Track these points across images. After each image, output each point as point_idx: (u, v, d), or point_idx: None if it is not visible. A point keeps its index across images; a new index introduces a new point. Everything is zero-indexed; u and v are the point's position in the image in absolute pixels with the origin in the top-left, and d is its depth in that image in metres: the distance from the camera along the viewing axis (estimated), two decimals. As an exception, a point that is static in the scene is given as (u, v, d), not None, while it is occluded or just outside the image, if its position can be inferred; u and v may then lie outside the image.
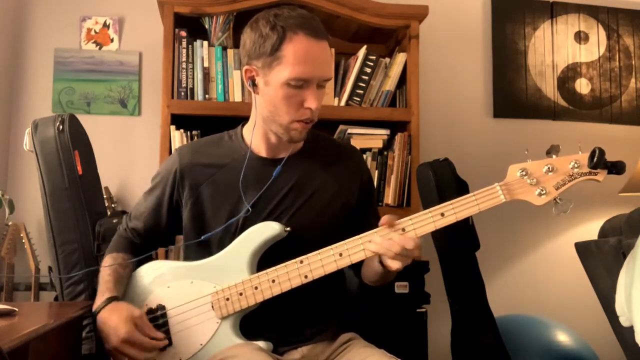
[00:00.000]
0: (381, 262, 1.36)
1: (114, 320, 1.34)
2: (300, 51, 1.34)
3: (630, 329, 1.50)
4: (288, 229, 1.40)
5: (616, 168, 1.29)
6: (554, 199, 1.32)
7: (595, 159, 1.28)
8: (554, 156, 1.34)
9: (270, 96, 1.39)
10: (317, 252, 1.36)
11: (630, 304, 1.48)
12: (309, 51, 1.35)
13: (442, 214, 1.33)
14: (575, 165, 1.32)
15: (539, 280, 2.84)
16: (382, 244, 1.31)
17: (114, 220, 1.81)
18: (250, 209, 1.42)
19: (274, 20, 1.37)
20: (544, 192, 1.32)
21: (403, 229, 1.34)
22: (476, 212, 1.33)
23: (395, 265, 1.31)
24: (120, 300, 1.41)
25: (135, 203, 1.64)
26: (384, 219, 1.35)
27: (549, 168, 1.32)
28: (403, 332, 1.92)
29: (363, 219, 1.52)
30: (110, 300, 1.39)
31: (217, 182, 1.48)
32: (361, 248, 1.35)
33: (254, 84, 1.42)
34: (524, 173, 1.33)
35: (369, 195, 1.58)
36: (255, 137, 1.48)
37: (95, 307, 1.41)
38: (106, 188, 2.45)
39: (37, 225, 2.50)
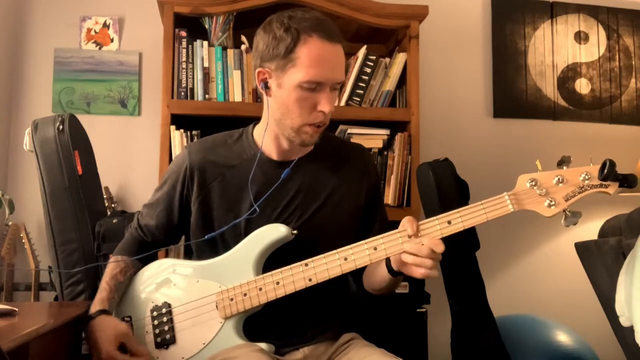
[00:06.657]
0: (390, 270, 1.36)
1: (99, 338, 1.37)
2: (315, 54, 1.33)
3: (630, 329, 1.50)
4: (295, 232, 1.40)
5: (627, 181, 1.27)
6: (564, 211, 1.30)
7: (605, 170, 1.26)
8: (564, 167, 1.31)
9: (283, 99, 1.38)
10: (322, 255, 1.36)
11: (630, 303, 1.48)
12: (323, 54, 1.34)
13: (449, 222, 1.32)
14: (586, 177, 1.29)
15: (539, 280, 2.84)
16: (411, 248, 1.29)
17: (114, 220, 1.81)
18: (257, 209, 1.42)
19: (288, 22, 1.35)
20: (554, 203, 1.30)
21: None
22: (484, 221, 1.32)
23: (417, 272, 1.29)
24: (110, 314, 1.43)
25: (135, 203, 1.64)
26: (407, 223, 1.32)
27: (559, 179, 1.30)
28: (403, 332, 1.92)
29: (368, 222, 1.52)
30: (99, 313, 1.41)
31: (226, 182, 1.47)
32: (367, 253, 1.34)
33: (266, 87, 1.41)
34: (533, 183, 1.31)
35: (375, 199, 1.57)
36: (266, 139, 1.47)
37: (90, 312, 1.43)
38: (106, 188, 2.45)
39: (37, 225, 2.50)
